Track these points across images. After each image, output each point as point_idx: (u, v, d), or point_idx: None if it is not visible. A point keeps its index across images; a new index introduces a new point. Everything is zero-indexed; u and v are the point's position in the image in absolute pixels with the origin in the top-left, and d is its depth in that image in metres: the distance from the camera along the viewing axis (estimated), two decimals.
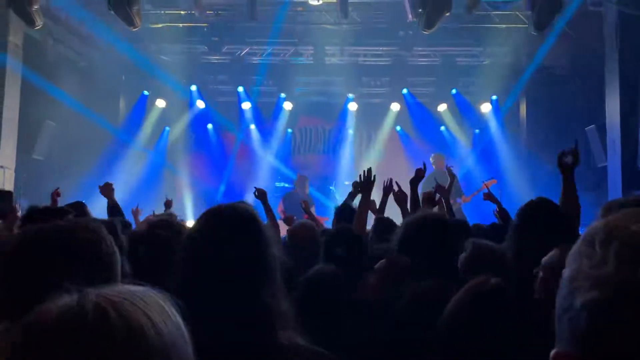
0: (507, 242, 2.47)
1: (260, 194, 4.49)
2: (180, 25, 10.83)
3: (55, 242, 1.28)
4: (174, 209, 6.68)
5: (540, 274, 1.78)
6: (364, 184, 4.10)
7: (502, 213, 4.63)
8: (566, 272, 0.66)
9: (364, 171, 4.17)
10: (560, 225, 2.36)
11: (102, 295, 0.71)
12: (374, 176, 4.14)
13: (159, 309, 0.73)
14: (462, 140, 12.28)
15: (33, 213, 2.56)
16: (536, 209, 2.47)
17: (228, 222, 1.54)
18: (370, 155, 12.78)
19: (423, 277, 2.13)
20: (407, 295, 2.04)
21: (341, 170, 12.50)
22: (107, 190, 4.96)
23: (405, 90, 11.99)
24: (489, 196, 5.02)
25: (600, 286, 0.60)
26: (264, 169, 12.61)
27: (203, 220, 1.59)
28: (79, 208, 3.31)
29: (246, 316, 1.40)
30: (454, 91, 11.86)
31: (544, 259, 1.81)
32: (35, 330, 0.69)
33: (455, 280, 1.93)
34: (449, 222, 2.62)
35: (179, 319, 0.75)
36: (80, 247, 1.28)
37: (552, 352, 0.65)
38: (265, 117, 12.88)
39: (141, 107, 12.11)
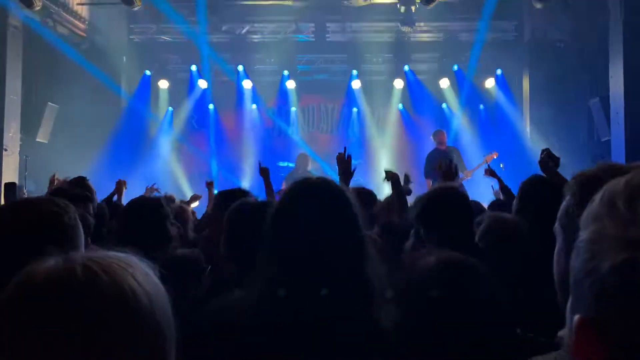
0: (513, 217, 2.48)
1: (263, 171, 4.51)
2: (180, 4, 10.76)
3: (19, 214, 1.39)
4: (174, 190, 6.74)
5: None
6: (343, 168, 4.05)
7: (505, 190, 4.60)
8: (584, 235, 0.62)
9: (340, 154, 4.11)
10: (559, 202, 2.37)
11: (89, 258, 0.73)
12: (349, 155, 4.00)
13: (142, 272, 0.75)
14: (464, 116, 12.21)
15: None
16: (534, 188, 2.48)
17: (324, 195, 1.53)
18: (374, 134, 12.76)
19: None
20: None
21: (346, 149, 12.45)
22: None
23: (406, 67, 11.87)
24: (490, 172, 5.00)
25: (630, 247, 0.57)
26: (266, 149, 12.59)
27: (296, 193, 1.57)
28: (81, 182, 3.37)
29: (349, 290, 1.40)
30: (455, 67, 11.77)
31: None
32: (27, 289, 0.70)
33: (474, 253, 1.92)
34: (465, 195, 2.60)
35: (160, 285, 0.77)
36: (43, 219, 1.37)
37: (576, 318, 0.62)
38: (267, 96, 12.81)
39: (144, 88, 12.08)
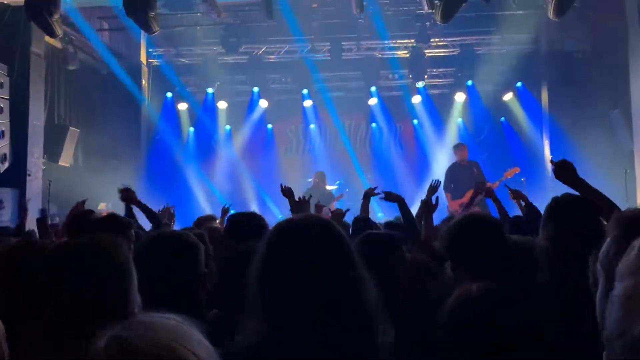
0: (539, 237, 2.44)
1: (287, 192, 4.39)
2: (198, 27, 10.95)
3: (71, 257, 1.38)
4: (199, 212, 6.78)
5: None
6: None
7: (530, 208, 4.40)
8: (619, 288, 0.59)
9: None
10: (589, 220, 2.32)
11: (142, 337, 0.72)
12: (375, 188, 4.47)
13: (197, 340, 0.76)
14: (481, 130, 12.13)
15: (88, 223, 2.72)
16: (562, 205, 2.44)
17: (312, 236, 1.39)
18: (390, 150, 12.77)
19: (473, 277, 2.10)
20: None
21: (364, 164, 12.50)
22: (128, 195, 4.62)
23: (421, 84, 11.82)
24: (514, 194, 4.83)
25: None
26: (287, 167, 12.64)
27: (281, 236, 1.43)
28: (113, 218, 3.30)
29: (348, 337, 1.30)
30: (469, 82, 11.68)
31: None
32: None
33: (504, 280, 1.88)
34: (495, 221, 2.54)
35: (209, 345, 0.79)
36: (95, 261, 1.36)
37: None
38: (284, 115, 12.90)
39: (167, 111, 12.26)
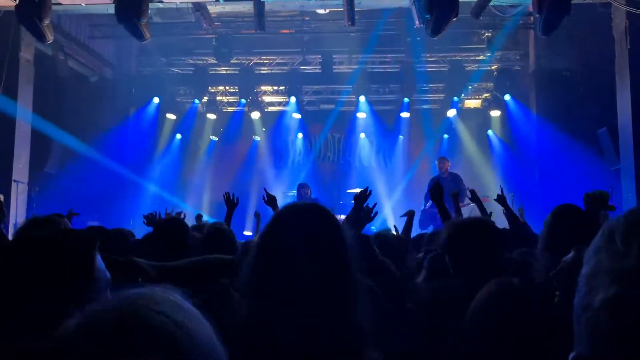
0: (538, 247, 2.48)
1: (271, 200, 4.33)
2: (189, 37, 10.96)
3: (35, 250, 1.29)
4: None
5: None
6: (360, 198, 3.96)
7: (511, 217, 4.48)
8: (584, 269, 0.61)
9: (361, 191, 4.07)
10: (589, 231, 2.34)
11: (117, 307, 0.70)
12: (370, 191, 4.02)
13: (172, 303, 0.72)
14: (468, 146, 12.22)
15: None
16: (563, 215, 2.48)
17: (311, 223, 1.35)
18: (380, 164, 12.82)
19: (468, 276, 2.11)
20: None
21: (351, 177, 12.50)
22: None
23: (406, 99, 11.91)
24: (500, 199, 4.85)
25: (622, 280, 0.54)
26: (272, 179, 12.62)
27: (281, 218, 1.40)
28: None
29: (332, 333, 1.24)
30: (456, 99, 11.78)
31: (563, 259, 1.78)
32: (62, 349, 0.68)
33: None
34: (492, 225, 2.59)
35: (196, 311, 0.74)
36: (60, 255, 1.28)
37: (571, 356, 0.60)
38: (274, 126, 12.92)
39: (156, 119, 12.17)
